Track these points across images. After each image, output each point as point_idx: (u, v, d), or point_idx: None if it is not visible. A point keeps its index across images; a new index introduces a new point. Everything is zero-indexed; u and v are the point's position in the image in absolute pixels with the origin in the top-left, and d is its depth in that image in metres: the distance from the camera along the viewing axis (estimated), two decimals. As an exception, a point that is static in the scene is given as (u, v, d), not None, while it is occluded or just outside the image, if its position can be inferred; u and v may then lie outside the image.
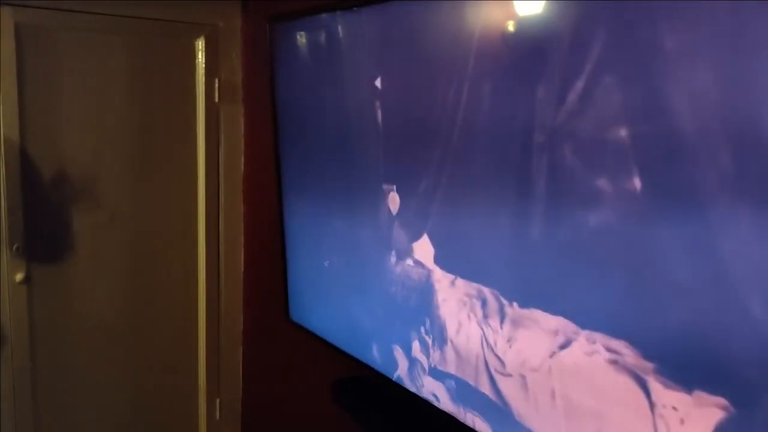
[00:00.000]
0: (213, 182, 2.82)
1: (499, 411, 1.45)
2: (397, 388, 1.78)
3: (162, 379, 2.89)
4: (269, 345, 2.81)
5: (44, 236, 2.55)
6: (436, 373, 1.64)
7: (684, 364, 1.07)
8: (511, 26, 1.32)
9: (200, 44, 2.72)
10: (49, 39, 2.46)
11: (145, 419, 2.89)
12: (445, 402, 1.62)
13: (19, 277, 2.50)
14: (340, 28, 1.90)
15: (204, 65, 2.73)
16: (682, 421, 1.07)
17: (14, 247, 2.48)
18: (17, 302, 2.51)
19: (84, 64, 2.53)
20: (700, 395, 1.04)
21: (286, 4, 2.24)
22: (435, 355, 1.63)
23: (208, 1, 2.70)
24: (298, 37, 2.09)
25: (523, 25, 1.31)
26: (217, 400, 3.00)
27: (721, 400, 1.02)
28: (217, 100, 2.77)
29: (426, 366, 1.67)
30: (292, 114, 2.15)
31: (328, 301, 2.08)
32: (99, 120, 2.60)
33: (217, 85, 2.76)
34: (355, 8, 1.78)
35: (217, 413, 3.01)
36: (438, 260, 1.59)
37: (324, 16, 1.94)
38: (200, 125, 2.77)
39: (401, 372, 1.77)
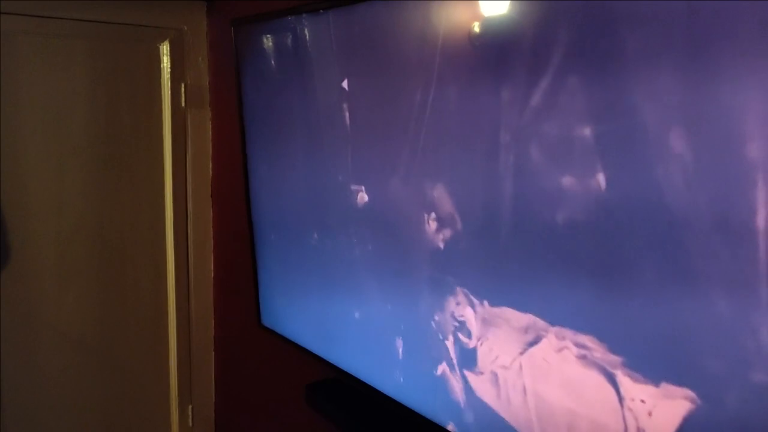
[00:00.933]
0: (181, 187, 2.80)
1: (471, 410, 1.46)
2: (371, 390, 1.78)
3: (133, 387, 2.85)
4: (241, 350, 2.79)
5: (8, 246, 2.50)
6: (411, 373, 1.64)
7: (651, 357, 1.08)
8: (476, 27, 1.33)
9: (165, 48, 2.69)
10: (10, 45, 2.41)
11: (118, 428, 2.84)
12: (420, 403, 1.63)
13: (-18, 287, 2.45)
14: (305, 31, 1.89)
15: (169, 70, 2.70)
16: (650, 414, 1.09)
17: (-23, 258, 2.43)
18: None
19: (46, 70, 2.49)
20: (668, 387, 1.06)
21: (251, 7, 2.23)
22: (409, 354, 1.64)
23: (173, 3, 2.67)
24: (263, 39, 2.08)
25: (488, 25, 1.32)
26: (190, 407, 2.97)
27: (688, 392, 1.04)
28: (183, 104, 2.74)
29: (400, 365, 1.67)
30: (259, 117, 2.14)
31: (299, 305, 2.07)
32: (62, 127, 2.55)
33: (183, 89, 2.73)
34: (320, 10, 1.78)
35: (190, 420, 2.98)
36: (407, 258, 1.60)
37: (289, 18, 1.93)
38: (167, 130, 2.74)
39: (374, 373, 1.77)
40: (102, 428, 2.80)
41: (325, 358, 1.96)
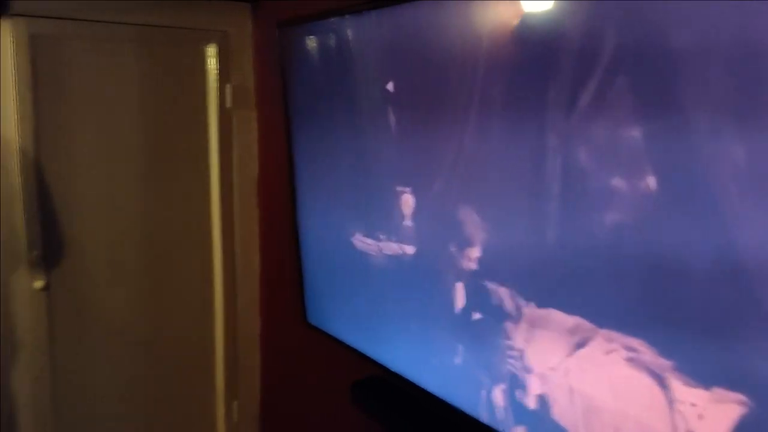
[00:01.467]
0: (227, 187, 2.85)
1: (517, 410, 1.46)
2: (416, 390, 1.79)
3: (180, 382, 2.92)
4: (286, 347, 2.83)
5: (62, 244, 2.58)
6: (457, 373, 1.65)
7: (702, 361, 1.07)
8: (522, 25, 1.33)
9: (212, 50, 2.74)
10: (63, 49, 2.49)
11: (164, 422, 2.91)
12: (465, 403, 1.63)
13: (38, 284, 2.53)
14: (350, 31, 1.91)
15: (215, 71, 2.75)
16: (700, 417, 1.08)
17: (33, 255, 2.51)
18: (36, 309, 2.55)
19: (97, 73, 2.56)
20: (719, 391, 1.05)
21: (295, 9, 2.25)
22: (455, 353, 1.65)
23: (218, 6, 2.72)
24: (308, 41, 2.10)
25: (534, 23, 1.31)
26: (235, 403, 3.02)
27: (741, 396, 1.02)
28: (229, 105, 2.79)
29: (446, 365, 1.68)
30: (304, 117, 2.17)
31: (345, 303, 2.09)
32: (112, 128, 2.62)
33: (229, 90, 2.78)
34: (364, 11, 1.80)
35: (235, 415, 3.03)
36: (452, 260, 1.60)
37: (333, 19, 1.95)
38: (213, 131, 2.80)
39: (420, 372, 1.78)
40: (149, 421, 2.88)
41: (370, 356, 1.97)
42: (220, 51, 2.75)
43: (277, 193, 2.75)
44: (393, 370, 1.88)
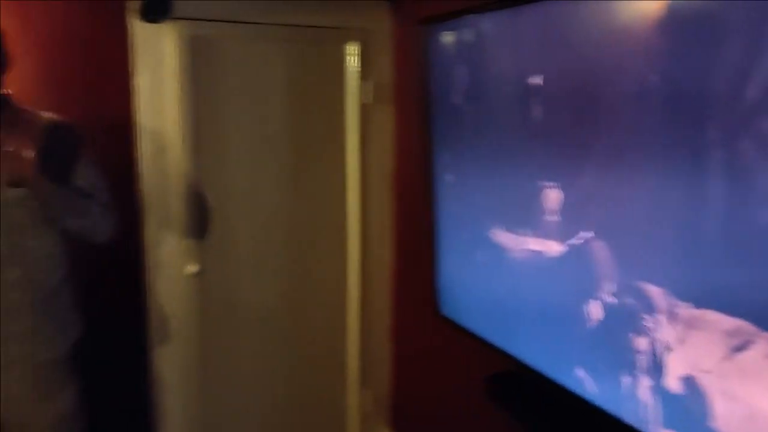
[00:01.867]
0: (363, 181, 2.93)
1: (667, 411, 1.42)
2: (554, 386, 1.77)
3: (315, 368, 3.04)
4: (418, 338, 2.88)
5: (213, 232, 2.76)
6: (600, 371, 1.62)
7: None
8: (676, 16, 1.29)
9: (354, 48, 2.83)
10: (218, 49, 2.66)
11: (298, 406, 3.05)
12: (609, 402, 1.60)
13: (192, 269, 2.72)
14: (493, 27, 1.92)
15: (356, 68, 2.84)
16: None
17: (187, 242, 2.70)
18: (188, 293, 2.74)
19: (246, 72, 2.72)
20: None
21: (435, 6, 2.28)
22: (598, 351, 1.62)
23: (359, 6, 2.80)
24: (449, 37, 2.13)
25: (691, 12, 1.27)
26: (367, 392, 3.11)
27: None
28: (368, 101, 2.87)
29: (589, 362, 1.66)
30: (444, 112, 2.20)
31: (480, 296, 2.10)
32: (259, 124, 2.77)
33: (368, 87, 2.86)
34: (509, 7, 1.80)
35: (367, 404, 3.12)
36: (601, 255, 1.57)
37: (476, 15, 1.97)
38: (351, 126, 2.89)
39: (559, 369, 1.76)
40: (284, 405, 3.02)
41: (506, 350, 1.97)
42: (361, 48, 2.83)
43: (412, 187, 2.80)
44: (530, 365, 1.87)
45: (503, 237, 1.91)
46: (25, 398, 1.98)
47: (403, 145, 2.89)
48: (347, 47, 2.84)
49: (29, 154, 1.76)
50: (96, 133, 2.52)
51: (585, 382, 1.67)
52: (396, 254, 3.03)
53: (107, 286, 2.64)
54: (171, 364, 2.75)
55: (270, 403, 3.00)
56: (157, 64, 2.55)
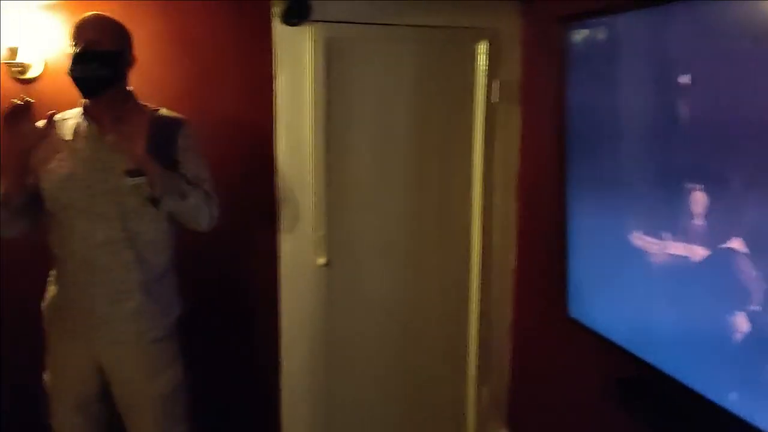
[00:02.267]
0: (488, 179, 2.95)
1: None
2: (695, 397, 1.73)
3: (435, 362, 3.09)
4: (541, 337, 2.87)
5: (342, 226, 2.86)
6: (745, 384, 1.57)
7: None
8: None
9: (482, 47, 2.84)
10: (352, 50, 2.75)
11: (417, 399, 3.11)
12: (749, 412, 1.55)
13: (320, 261, 2.83)
14: (636, 25, 1.89)
15: (484, 68, 2.85)
16: None
17: (317, 235, 2.82)
18: (317, 283, 2.86)
19: (379, 71, 2.79)
20: None
21: (573, 4, 2.26)
22: (743, 363, 1.57)
23: (490, 5, 2.81)
24: (589, 35, 2.11)
25: None
26: (485, 388, 3.13)
27: None
28: (495, 100, 2.88)
29: (731, 375, 1.61)
30: (580, 111, 2.18)
31: (616, 300, 2.08)
32: (386, 123, 2.84)
33: (496, 86, 2.87)
34: (655, 6, 1.76)
35: (485, 400, 3.14)
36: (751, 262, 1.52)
37: (618, 13, 1.94)
38: (478, 126, 2.91)
39: (700, 379, 1.72)
40: (404, 395, 3.09)
41: (640, 356, 1.94)
42: (489, 47, 2.84)
43: (539, 186, 2.79)
44: (666, 372, 1.84)
45: (644, 240, 1.88)
46: (135, 374, 2.13)
47: (530, 144, 2.88)
48: (478, 46, 2.86)
49: (144, 145, 1.89)
50: (238, 130, 2.69)
51: (728, 394, 1.62)
52: (519, 254, 3.02)
53: (246, 273, 2.81)
54: (300, 347, 2.88)
55: (388, 394, 3.07)
56: (296, 65, 2.68)
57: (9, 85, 2.43)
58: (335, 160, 2.79)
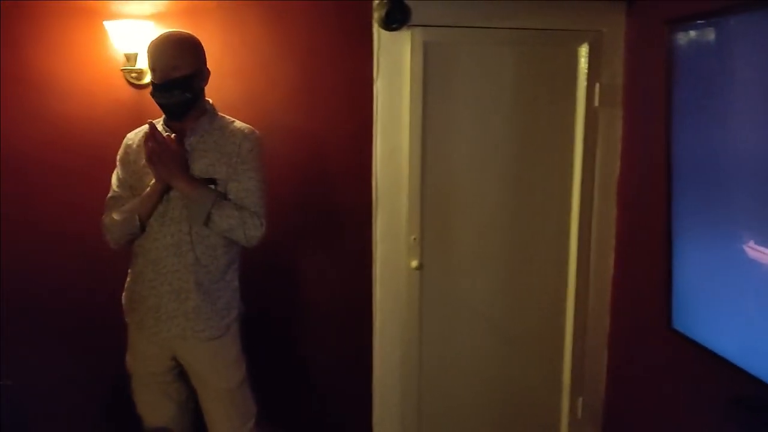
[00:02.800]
0: (588, 184, 2.88)
1: None
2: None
3: (530, 370, 3.04)
4: (640, 349, 2.77)
5: (436, 230, 2.87)
6: None
7: None
8: None
9: (583, 50, 2.78)
10: (450, 54, 2.74)
11: (510, 406, 3.07)
12: None
13: (414, 264, 2.85)
14: (751, 28, 1.80)
15: (586, 71, 2.79)
16: None
17: (412, 238, 2.83)
18: (411, 286, 2.87)
19: (477, 76, 2.78)
20: None
21: (683, 6, 2.18)
22: None
23: (594, 7, 2.75)
24: (699, 38, 2.03)
25: None
26: (580, 399, 3.05)
27: None
28: (596, 104, 2.81)
29: None
30: (689, 116, 2.10)
31: (729, 314, 1.98)
32: (486, 126, 2.82)
33: (597, 89, 2.80)
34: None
35: (579, 411, 3.06)
36: None
37: (732, 15, 1.86)
38: (578, 129, 2.85)
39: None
40: (498, 401, 3.05)
41: (756, 375, 1.84)
42: (592, 50, 2.78)
43: (642, 192, 2.70)
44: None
45: (760, 252, 1.79)
46: (199, 367, 2.24)
47: (632, 149, 2.80)
48: (580, 49, 2.80)
49: (174, 168, 2.02)
50: (338, 134, 2.74)
51: None
52: (618, 261, 2.93)
53: (341, 274, 2.86)
54: (393, 347, 2.91)
55: (481, 401, 3.05)
56: (395, 69, 2.71)
57: (126, 90, 2.58)
58: (432, 164, 2.80)
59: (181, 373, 2.30)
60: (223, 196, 2.12)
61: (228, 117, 2.25)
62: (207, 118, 2.18)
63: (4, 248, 2.64)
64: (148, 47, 2.07)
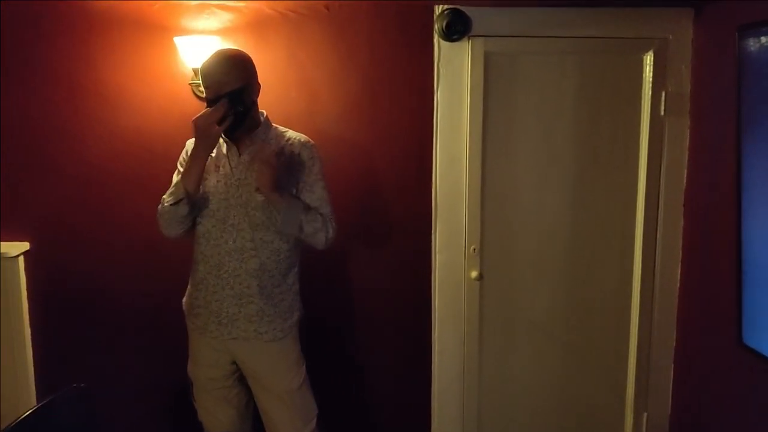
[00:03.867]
0: (653, 194, 2.82)
1: None
2: None
3: (592, 382, 2.99)
4: (710, 365, 2.68)
5: (496, 240, 2.85)
6: None
7: None
8: None
9: (648, 58, 2.73)
10: (511, 64, 2.74)
11: (572, 421, 3.02)
12: None
13: (474, 274, 2.84)
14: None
15: (651, 79, 2.74)
16: None
17: (472, 249, 2.82)
18: (470, 296, 2.86)
19: (539, 83, 2.76)
20: None
21: (755, 11, 2.13)
22: None
23: (661, 14, 2.70)
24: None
25: None
26: (645, 414, 2.98)
27: None
28: (662, 113, 2.75)
29: None
30: (760, 129, 2.04)
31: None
32: (548, 135, 2.80)
33: (663, 97, 2.74)
34: None
35: (644, 428, 2.99)
36: None
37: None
38: (643, 138, 2.79)
39: None
40: (560, 415, 3.01)
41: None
42: (657, 58, 2.73)
43: (710, 203, 2.62)
44: None
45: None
46: (260, 369, 2.28)
47: (699, 159, 2.72)
48: (645, 57, 2.75)
49: (271, 181, 2.06)
50: (400, 144, 2.77)
51: None
52: (685, 274, 2.85)
53: (401, 283, 2.87)
54: (453, 356, 2.90)
55: (541, 416, 3.01)
56: (455, 80, 2.71)
57: (193, 103, 2.66)
58: (492, 174, 2.79)
59: (241, 378, 2.36)
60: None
61: (281, 127, 2.31)
62: (262, 130, 2.24)
63: (84, 257, 2.77)
64: (201, 66, 2.15)
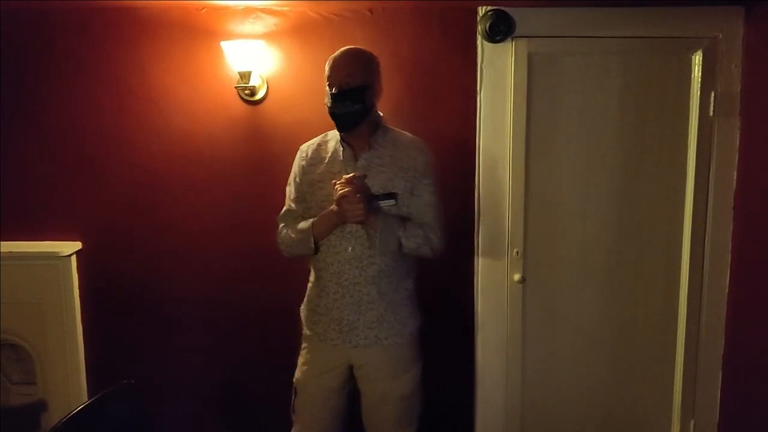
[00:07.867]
0: (701, 197, 2.76)
1: None
2: None
3: (637, 389, 2.94)
4: (756, 371, 2.62)
5: (539, 243, 2.83)
6: None
7: None
8: None
9: (697, 58, 2.68)
10: (555, 65, 2.71)
11: (617, 427, 2.97)
12: None
13: (516, 277, 2.82)
14: None
15: (699, 79, 2.68)
16: None
17: (515, 252, 2.81)
18: (514, 299, 2.84)
19: (583, 84, 2.73)
20: None
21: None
22: None
23: (709, 13, 2.64)
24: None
25: None
26: (692, 422, 2.92)
27: None
28: (711, 113, 2.70)
29: None
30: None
31: None
32: (592, 137, 2.76)
33: (712, 98, 2.69)
34: None
35: (691, 436, 2.94)
36: None
37: None
38: (692, 140, 2.74)
39: None
40: (605, 422, 2.96)
41: None
42: (706, 58, 2.67)
43: (761, 205, 2.56)
44: None
45: None
46: (379, 374, 2.26)
47: (750, 160, 2.65)
48: (693, 57, 2.69)
49: (363, 208, 2.06)
50: (445, 147, 2.76)
51: None
52: (734, 279, 2.78)
53: (443, 285, 2.87)
54: (497, 359, 2.89)
55: (587, 419, 2.97)
56: (498, 81, 2.70)
57: (239, 106, 2.71)
58: (535, 176, 2.77)
59: (350, 393, 2.34)
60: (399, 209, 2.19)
61: (397, 129, 2.32)
62: (381, 132, 2.25)
63: (133, 256, 2.85)
64: (328, 62, 2.18)
